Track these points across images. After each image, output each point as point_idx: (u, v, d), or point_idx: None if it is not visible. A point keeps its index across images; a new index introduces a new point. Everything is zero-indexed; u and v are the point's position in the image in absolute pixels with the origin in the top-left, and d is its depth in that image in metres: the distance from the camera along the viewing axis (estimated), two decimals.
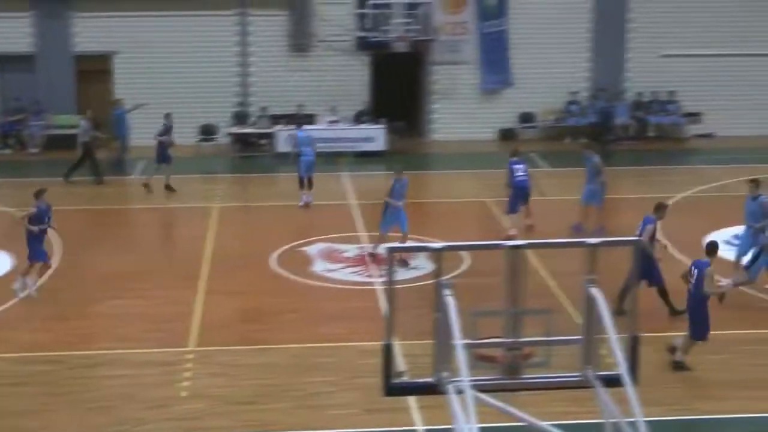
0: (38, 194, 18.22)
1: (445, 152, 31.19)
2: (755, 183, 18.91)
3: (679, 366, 15.00)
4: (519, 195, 22.12)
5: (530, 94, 32.36)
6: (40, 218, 17.96)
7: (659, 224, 17.38)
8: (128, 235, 23.15)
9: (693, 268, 15.08)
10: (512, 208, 22.15)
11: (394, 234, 19.88)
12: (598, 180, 22.07)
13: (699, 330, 14.91)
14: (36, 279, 18.29)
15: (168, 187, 25.85)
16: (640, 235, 16.94)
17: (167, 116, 26.75)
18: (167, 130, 26.41)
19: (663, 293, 17.10)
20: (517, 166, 22.39)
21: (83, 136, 27.28)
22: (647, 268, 16.81)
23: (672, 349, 15.18)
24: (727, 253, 20.62)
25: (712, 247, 15.30)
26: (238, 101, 31.81)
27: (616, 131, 31.68)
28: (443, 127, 32.65)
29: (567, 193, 24.28)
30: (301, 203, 24.52)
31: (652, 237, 17.00)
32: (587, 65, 32.77)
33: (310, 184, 24.70)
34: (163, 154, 26.09)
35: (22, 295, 17.92)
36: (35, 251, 18.04)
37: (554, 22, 32.08)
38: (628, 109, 32.85)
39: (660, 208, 17.41)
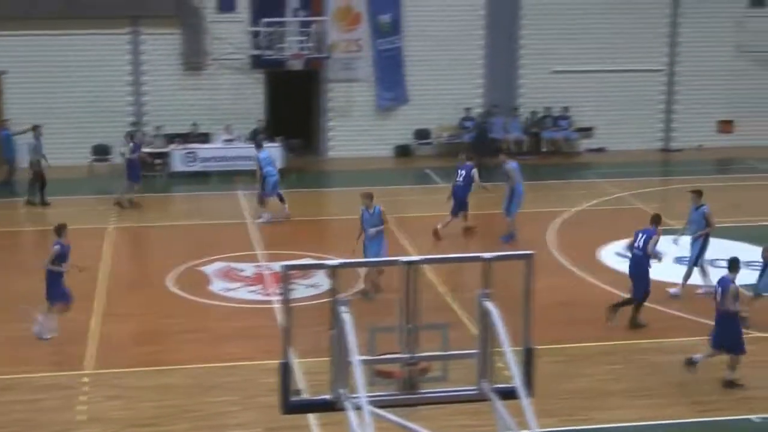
0: (60, 230, 17.03)
1: (341, 169, 31.26)
2: (698, 194, 19.53)
3: (731, 384, 15.09)
4: (455, 199, 23.00)
5: (425, 110, 32.65)
6: (64, 256, 16.87)
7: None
8: (23, 258, 22.67)
9: (717, 286, 15.17)
10: (453, 210, 23.19)
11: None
12: (507, 186, 22.90)
13: (737, 345, 15.02)
14: (54, 318, 17.09)
15: (132, 202, 26.10)
16: (641, 248, 17.48)
17: (135, 133, 26.96)
18: (137, 147, 26.45)
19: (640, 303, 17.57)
20: (461, 171, 23.34)
21: (35, 155, 26.54)
22: (641, 276, 17.45)
23: (690, 362, 15.25)
24: (621, 264, 21.09)
25: (734, 264, 15.32)
26: (132, 121, 31.46)
27: (493, 146, 31.82)
28: (340, 144, 32.77)
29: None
30: (261, 220, 24.52)
31: (654, 247, 17.54)
32: (481, 82, 33.19)
33: (282, 200, 24.87)
34: (132, 172, 26.10)
35: (48, 336, 16.94)
36: (57, 292, 16.83)
37: (448, 40, 32.45)
38: (521, 124, 33.34)
39: (658, 219, 17.90)
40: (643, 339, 17.03)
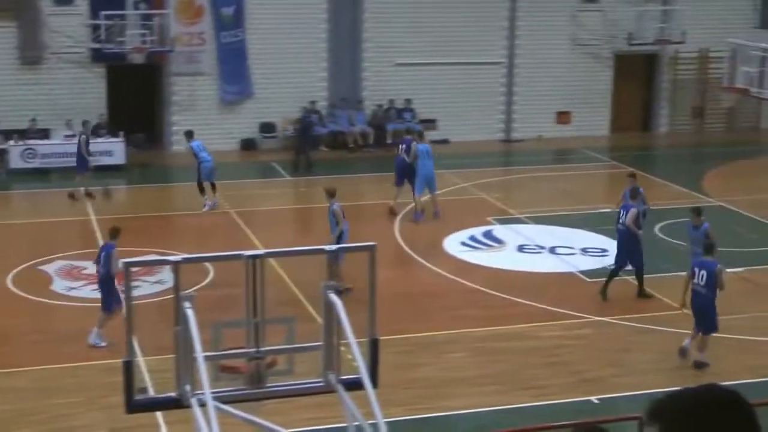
0: (116, 233, 16.41)
1: (186, 164, 30.78)
2: (633, 176, 20.46)
3: (701, 365, 15.44)
4: (397, 170, 24.29)
5: (270, 104, 32.54)
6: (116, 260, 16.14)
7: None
8: None
9: (697, 269, 15.51)
10: (396, 181, 24.37)
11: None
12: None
13: (711, 324, 15.47)
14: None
15: (89, 195, 25.70)
16: (623, 222, 18.20)
17: (85, 124, 26.68)
18: (86, 140, 26.07)
19: (639, 275, 18.28)
20: (402, 145, 24.79)
21: None
22: (631, 251, 18.14)
23: (683, 351, 15.66)
24: (465, 254, 21.53)
25: (713, 246, 15.98)
26: None
27: (316, 141, 31.92)
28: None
29: (307, 201, 24.61)
30: (205, 208, 24.48)
31: (636, 220, 18.16)
32: (325, 75, 33.27)
33: (214, 188, 24.82)
34: (81, 163, 25.72)
35: (104, 344, 16.20)
36: (116, 298, 16.20)
37: (291, 33, 32.38)
38: (366, 117, 33.56)
39: (636, 193, 18.74)
40: (483, 327, 17.42)
